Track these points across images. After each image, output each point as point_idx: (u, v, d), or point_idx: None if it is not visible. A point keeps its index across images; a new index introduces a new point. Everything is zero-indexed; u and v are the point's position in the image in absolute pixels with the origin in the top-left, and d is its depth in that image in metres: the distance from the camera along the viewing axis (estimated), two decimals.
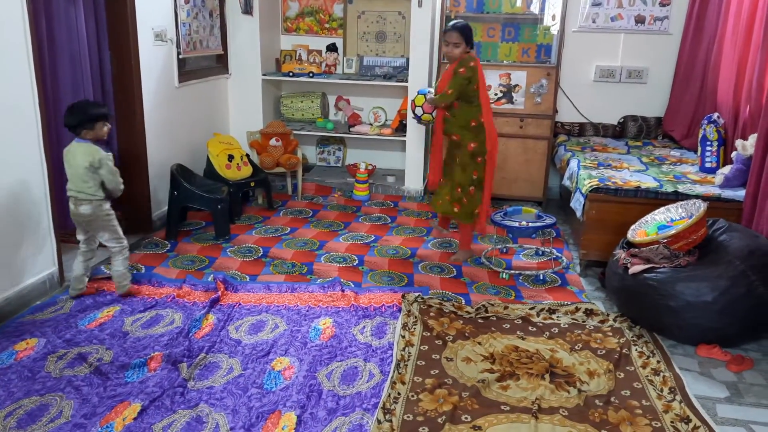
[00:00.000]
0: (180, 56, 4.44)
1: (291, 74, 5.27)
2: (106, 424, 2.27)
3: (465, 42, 3.59)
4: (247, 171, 4.60)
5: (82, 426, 2.25)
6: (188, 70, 4.62)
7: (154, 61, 4.18)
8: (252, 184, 4.67)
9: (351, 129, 5.34)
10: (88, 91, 3.80)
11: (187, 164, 4.45)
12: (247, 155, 4.72)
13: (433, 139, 3.95)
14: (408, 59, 5.14)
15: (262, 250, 3.97)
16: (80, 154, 3.01)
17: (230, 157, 4.51)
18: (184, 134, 4.64)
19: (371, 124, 5.39)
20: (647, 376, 2.66)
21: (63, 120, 3.05)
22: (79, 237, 3.20)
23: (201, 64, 4.86)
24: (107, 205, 3.15)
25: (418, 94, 4.09)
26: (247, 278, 3.57)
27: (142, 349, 2.79)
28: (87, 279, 3.28)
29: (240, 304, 3.23)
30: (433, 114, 3.94)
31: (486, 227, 3.97)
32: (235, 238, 4.18)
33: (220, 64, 5.14)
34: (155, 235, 4.19)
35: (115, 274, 3.25)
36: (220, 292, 3.29)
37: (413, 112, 4.11)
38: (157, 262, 3.75)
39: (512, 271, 3.71)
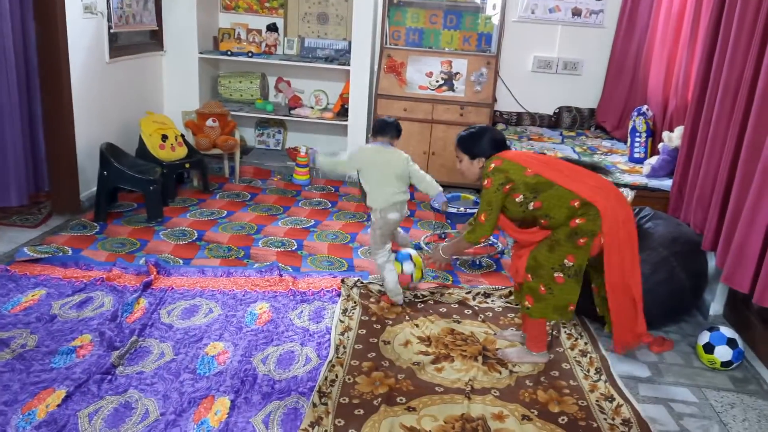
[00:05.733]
0: (111, 30, 4.25)
1: (229, 53, 5.14)
2: (28, 411, 2.17)
3: (470, 153, 2.64)
4: (181, 152, 4.46)
5: (2, 413, 2.14)
6: (120, 45, 4.43)
7: (83, 35, 3.98)
8: (187, 165, 4.53)
9: (291, 112, 5.26)
10: (11, 64, 3.58)
11: (119, 143, 4.28)
12: (182, 136, 4.58)
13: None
14: (350, 42, 5.10)
15: (196, 234, 3.88)
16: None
17: (164, 137, 4.36)
18: (115, 112, 4.46)
19: (312, 108, 5.33)
20: (575, 357, 2.76)
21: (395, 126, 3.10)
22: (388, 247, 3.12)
23: (134, 40, 4.67)
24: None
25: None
26: (181, 262, 3.48)
27: (69, 333, 2.68)
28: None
29: (173, 288, 3.14)
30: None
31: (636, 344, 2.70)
32: (168, 220, 4.06)
33: (154, 40, 4.95)
34: (83, 216, 4.01)
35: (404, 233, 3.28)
36: (152, 276, 3.19)
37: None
38: (85, 245, 3.60)
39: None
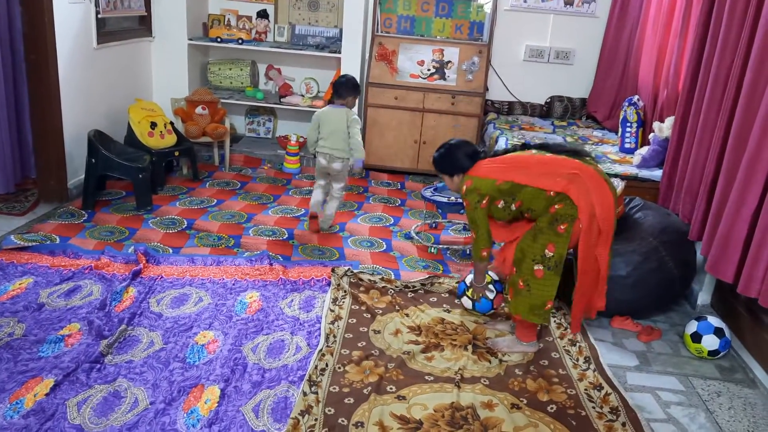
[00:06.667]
0: (99, 16, 4.19)
1: (219, 40, 5.09)
2: (15, 400, 2.16)
3: (447, 172, 2.76)
4: (171, 140, 4.42)
5: None
6: (108, 31, 4.38)
7: (70, 20, 3.92)
8: (176, 153, 4.50)
9: (282, 99, 5.23)
10: None
11: (107, 131, 4.23)
12: (172, 123, 4.54)
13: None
14: (341, 30, 5.06)
15: (186, 222, 3.85)
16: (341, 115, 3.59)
17: (153, 125, 4.32)
18: (103, 99, 4.41)
19: (303, 95, 5.29)
20: (564, 346, 2.78)
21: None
22: (320, 181, 3.81)
23: (122, 26, 4.61)
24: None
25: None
26: (170, 251, 3.46)
27: (57, 322, 2.66)
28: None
29: (162, 276, 3.12)
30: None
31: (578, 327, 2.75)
32: (157, 209, 4.03)
33: (142, 26, 4.89)
34: (71, 204, 3.98)
35: (329, 212, 3.80)
36: (141, 265, 3.17)
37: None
38: (73, 233, 3.57)
39: (440, 246, 3.77)
